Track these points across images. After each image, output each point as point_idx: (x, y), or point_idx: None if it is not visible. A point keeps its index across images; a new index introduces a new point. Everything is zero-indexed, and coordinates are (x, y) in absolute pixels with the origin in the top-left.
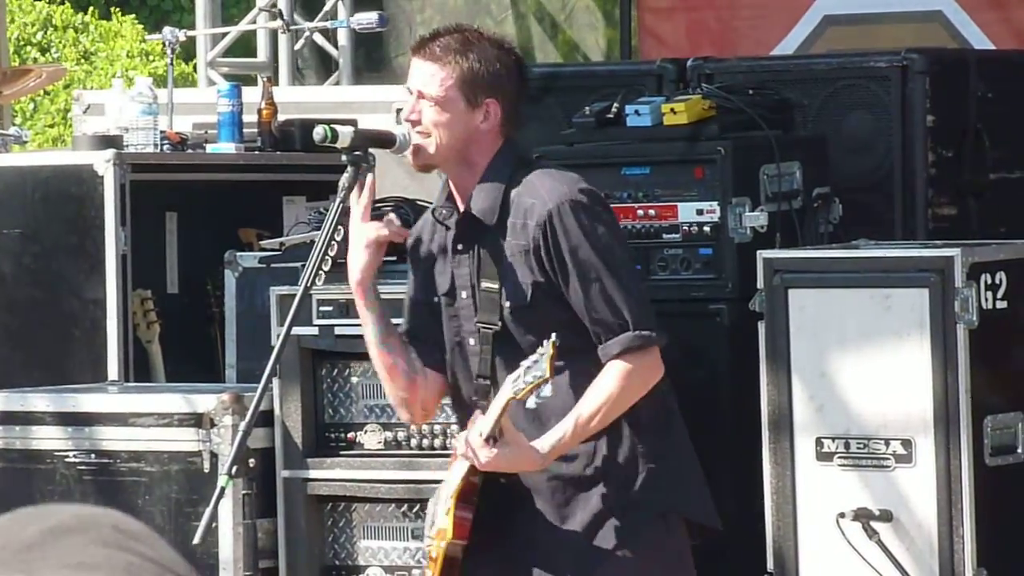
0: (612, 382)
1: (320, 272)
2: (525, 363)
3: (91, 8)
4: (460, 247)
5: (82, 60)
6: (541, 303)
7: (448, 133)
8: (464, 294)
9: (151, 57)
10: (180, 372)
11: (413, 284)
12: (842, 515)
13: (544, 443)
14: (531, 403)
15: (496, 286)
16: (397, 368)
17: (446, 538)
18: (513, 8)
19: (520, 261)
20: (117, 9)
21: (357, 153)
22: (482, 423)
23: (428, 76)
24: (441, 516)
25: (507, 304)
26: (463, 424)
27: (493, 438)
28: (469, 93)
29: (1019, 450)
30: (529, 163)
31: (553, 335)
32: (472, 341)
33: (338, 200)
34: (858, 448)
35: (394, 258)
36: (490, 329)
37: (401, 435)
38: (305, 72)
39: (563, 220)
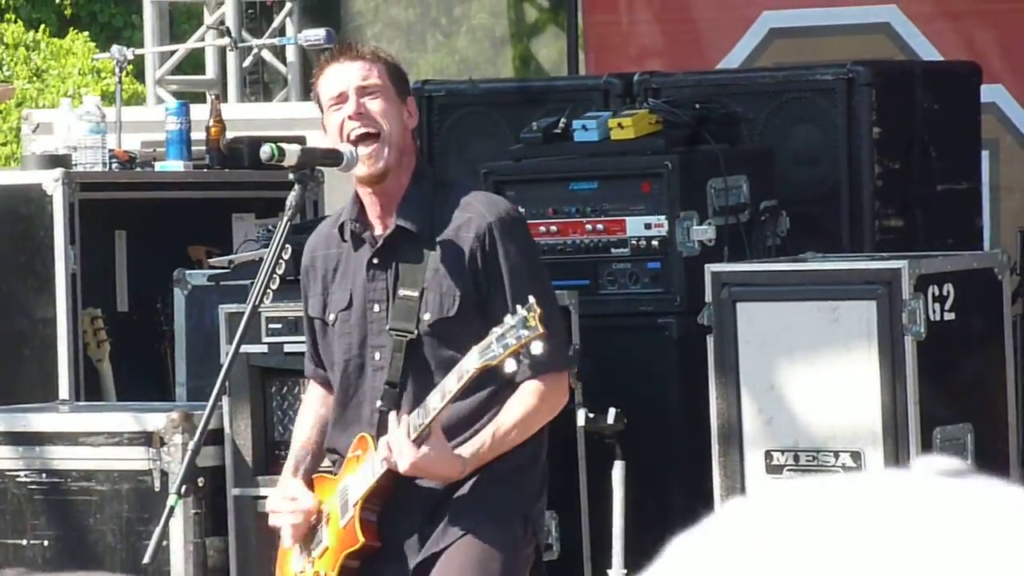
0: (531, 399)
1: (268, 290)
2: (496, 331)
3: (43, 26)
4: (376, 261)
5: (34, 78)
6: (465, 315)
7: (395, 125)
8: (377, 308)
9: (103, 74)
10: (131, 390)
11: (310, 305)
12: None
13: (465, 451)
14: (511, 366)
15: (415, 294)
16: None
17: (353, 545)
18: (465, 22)
19: (449, 273)
20: (73, 28)
21: (304, 171)
22: (408, 423)
23: (363, 71)
24: (329, 535)
25: (427, 316)
26: (338, 444)
27: (421, 440)
28: (397, 86)
29: (968, 461)
30: (441, 179)
31: (531, 298)
32: (377, 356)
33: (285, 218)
34: (807, 460)
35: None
36: (404, 337)
37: None
38: (272, 87)
39: (502, 234)
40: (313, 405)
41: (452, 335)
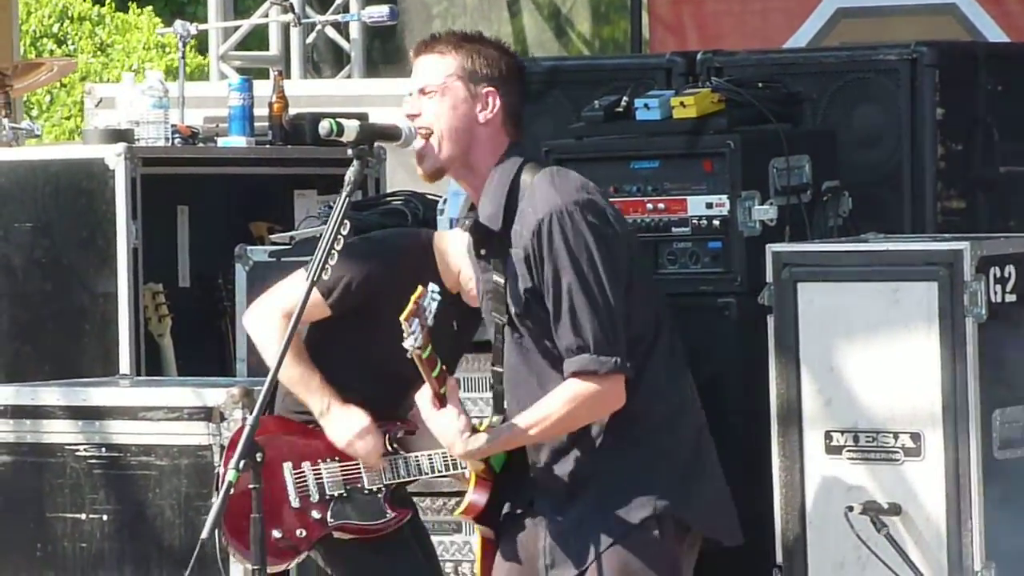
0: (558, 401)
1: (326, 267)
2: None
3: (108, 0)
4: (483, 252)
5: (98, 52)
6: (534, 309)
7: (450, 125)
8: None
9: (167, 49)
10: (191, 366)
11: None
12: (851, 508)
13: (481, 439)
14: (408, 344)
15: (503, 282)
16: None
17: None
18: (530, 1)
19: (519, 269)
20: (133, 2)
21: (363, 147)
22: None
23: (430, 68)
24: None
25: (513, 308)
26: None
27: (440, 400)
28: (468, 81)
29: None
30: (540, 164)
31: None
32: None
33: (344, 195)
34: (867, 441)
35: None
36: (500, 320)
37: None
38: (321, 65)
39: (548, 231)
40: None
41: (529, 327)
